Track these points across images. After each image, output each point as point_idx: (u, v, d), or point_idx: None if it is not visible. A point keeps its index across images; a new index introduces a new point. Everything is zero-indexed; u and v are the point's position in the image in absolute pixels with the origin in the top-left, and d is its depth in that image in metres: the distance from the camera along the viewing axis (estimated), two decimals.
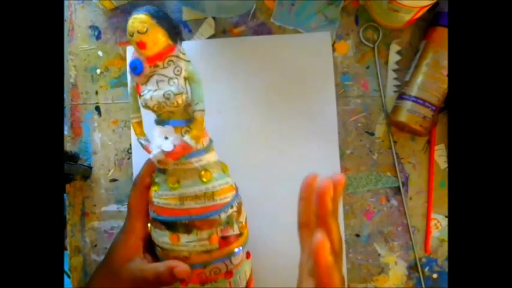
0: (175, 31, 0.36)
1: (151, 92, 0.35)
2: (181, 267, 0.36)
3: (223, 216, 0.37)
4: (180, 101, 0.35)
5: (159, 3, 0.50)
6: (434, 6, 0.44)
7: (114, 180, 0.50)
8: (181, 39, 0.37)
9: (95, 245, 0.50)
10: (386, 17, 0.46)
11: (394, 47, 0.48)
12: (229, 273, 0.38)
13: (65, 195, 0.50)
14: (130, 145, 0.49)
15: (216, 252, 0.36)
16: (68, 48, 0.51)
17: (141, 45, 0.34)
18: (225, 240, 0.37)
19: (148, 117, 0.40)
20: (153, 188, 0.38)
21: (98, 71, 0.50)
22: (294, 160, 0.48)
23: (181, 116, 0.37)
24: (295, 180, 0.48)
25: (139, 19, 0.34)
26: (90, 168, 0.50)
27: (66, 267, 0.51)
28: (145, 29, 0.34)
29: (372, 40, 0.49)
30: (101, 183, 0.50)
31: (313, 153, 0.48)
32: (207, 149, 0.38)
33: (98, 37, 0.51)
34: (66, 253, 0.50)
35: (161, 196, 0.37)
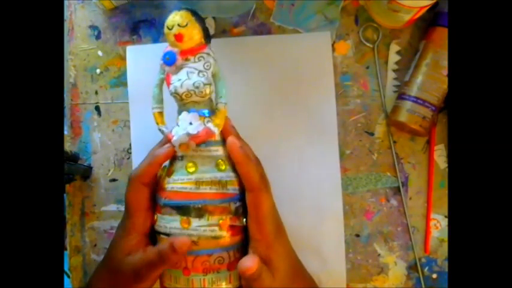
0: (207, 33, 0.39)
1: (181, 81, 0.38)
2: (180, 239, 0.36)
3: (232, 206, 0.38)
4: (207, 91, 0.38)
5: (159, 3, 0.50)
6: (434, 6, 0.44)
7: (113, 180, 0.50)
8: (210, 41, 0.40)
9: (95, 245, 0.50)
10: (386, 17, 0.46)
11: (394, 47, 0.48)
12: (231, 265, 0.38)
13: (64, 195, 0.50)
14: (130, 145, 0.49)
15: (223, 240, 0.37)
16: (67, 48, 0.51)
17: (178, 38, 0.38)
18: (232, 229, 0.38)
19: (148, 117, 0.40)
20: (167, 176, 0.39)
21: (98, 70, 0.50)
22: (293, 160, 0.48)
23: (204, 107, 0.39)
24: (294, 180, 0.48)
25: (180, 14, 0.38)
26: (90, 168, 0.50)
27: (66, 267, 0.51)
28: (185, 23, 0.37)
29: (372, 40, 0.49)
30: (100, 183, 0.50)
31: (313, 153, 0.48)
32: (223, 143, 0.40)
33: (98, 37, 0.51)
34: (66, 253, 0.50)
35: (176, 181, 0.38)
